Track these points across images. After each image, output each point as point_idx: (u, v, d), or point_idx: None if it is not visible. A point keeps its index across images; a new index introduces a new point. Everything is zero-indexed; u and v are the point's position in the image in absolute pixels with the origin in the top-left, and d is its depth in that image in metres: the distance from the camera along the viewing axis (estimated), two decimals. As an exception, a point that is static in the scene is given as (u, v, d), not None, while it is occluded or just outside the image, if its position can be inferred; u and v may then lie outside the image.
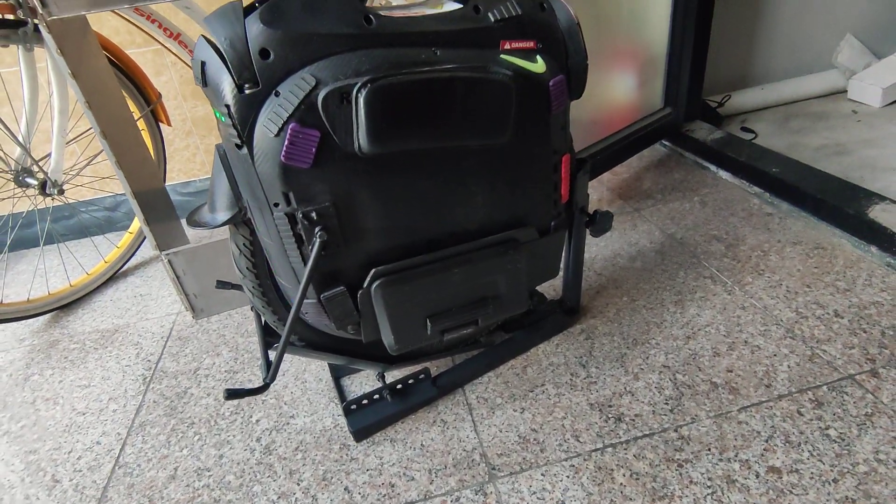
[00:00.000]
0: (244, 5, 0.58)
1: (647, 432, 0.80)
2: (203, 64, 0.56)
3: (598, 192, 1.52)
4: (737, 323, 0.97)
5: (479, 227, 0.73)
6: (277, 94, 0.55)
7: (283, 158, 0.57)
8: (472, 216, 0.72)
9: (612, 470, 0.75)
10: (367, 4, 0.59)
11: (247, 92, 0.55)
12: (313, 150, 0.58)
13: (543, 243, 0.79)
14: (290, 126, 0.56)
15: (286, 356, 1.05)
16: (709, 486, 0.71)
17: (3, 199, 1.38)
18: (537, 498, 0.73)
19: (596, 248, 1.26)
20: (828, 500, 0.67)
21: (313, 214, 0.62)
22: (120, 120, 1.06)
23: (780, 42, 1.91)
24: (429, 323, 0.74)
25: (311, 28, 0.55)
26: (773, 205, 1.31)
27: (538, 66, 0.65)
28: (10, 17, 1.05)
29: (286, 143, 0.56)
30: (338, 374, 0.98)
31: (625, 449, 0.78)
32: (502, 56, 0.63)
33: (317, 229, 0.62)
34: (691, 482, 0.72)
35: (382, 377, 0.89)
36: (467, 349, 0.96)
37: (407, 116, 0.58)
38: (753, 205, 1.34)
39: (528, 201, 0.75)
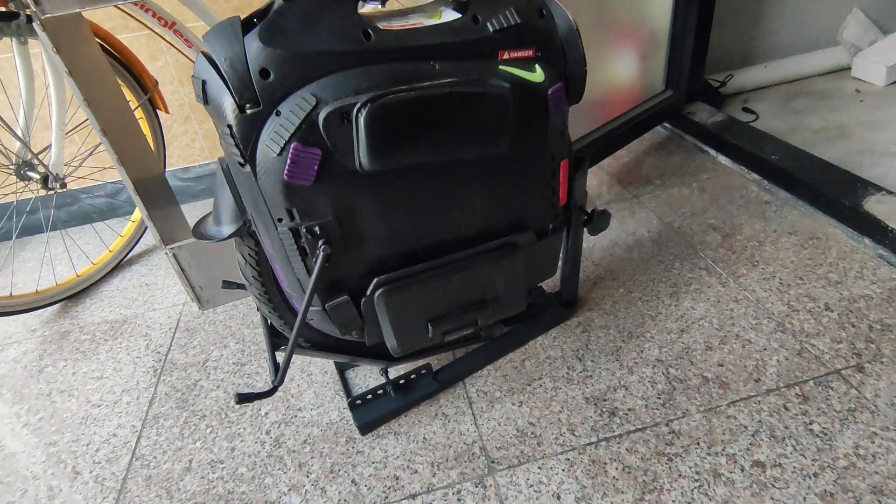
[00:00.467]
0: (242, 19, 0.58)
1: (640, 426, 0.83)
2: (204, 83, 0.57)
3: (597, 176, 1.52)
4: (729, 316, 1.00)
5: (478, 233, 0.75)
6: (279, 114, 0.56)
7: (285, 177, 0.58)
8: (471, 222, 0.73)
9: (606, 463, 0.79)
10: (361, 10, 0.59)
11: (248, 112, 0.56)
12: (315, 167, 0.59)
13: (541, 246, 0.81)
14: (293, 146, 0.57)
15: (291, 348, 1.08)
16: (696, 480, 0.75)
17: (6, 193, 1.39)
18: (534, 491, 0.77)
19: (594, 238, 1.27)
20: (807, 494, 0.71)
21: (316, 229, 0.63)
22: (119, 114, 1.06)
23: (785, 17, 1.88)
24: (430, 326, 0.76)
25: (311, 47, 0.55)
26: (771, 192, 1.32)
27: (537, 75, 0.65)
28: (2, 9, 1.04)
29: (288, 162, 0.57)
30: (342, 368, 1.01)
31: (618, 443, 0.81)
32: (501, 67, 0.64)
33: (320, 243, 0.64)
34: (680, 476, 0.76)
35: (386, 372, 0.92)
36: (467, 343, 0.99)
37: (406, 134, 0.59)
38: (752, 192, 1.34)
39: (527, 206, 0.76)
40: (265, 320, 0.84)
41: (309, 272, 0.67)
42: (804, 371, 0.87)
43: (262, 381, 1.03)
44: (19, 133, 1.16)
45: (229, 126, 0.56)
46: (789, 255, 1.12)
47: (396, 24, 0.60)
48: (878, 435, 0.76)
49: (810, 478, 0.73)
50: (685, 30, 1.50)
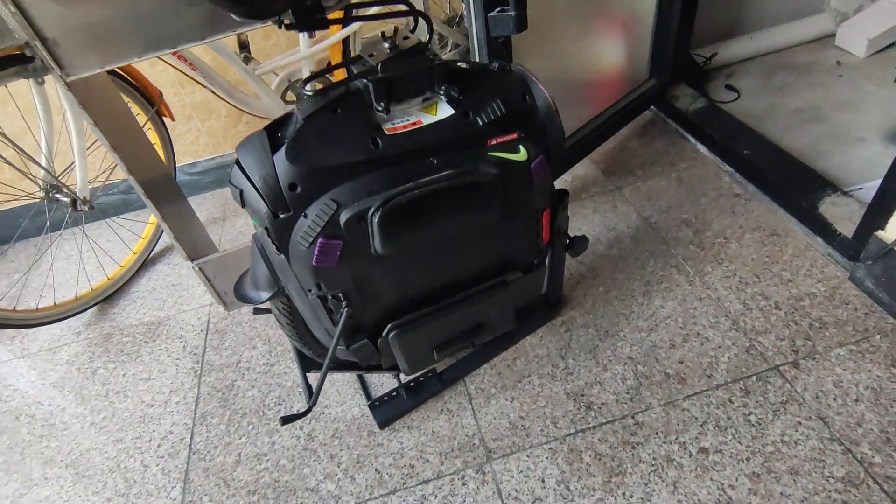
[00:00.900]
0: (267, 130, 0.68)
1: (611, 419, 1.01)
2: (241, 192, 0.68)
3: (584, 166, 1.62)
4: (692, 315, 1.15)
5: (473, 275, 0.88)
6: (306, 216, 0.68)
7: (314, 263, 0.71)
8: (468, 268, 0.87)
9: (581, 452, 0.97)
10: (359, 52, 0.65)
11: (281, 217, 0.67)
12: (338, 253, 0.71)
13: (528, 278, 0.94)
14: (319, 241, 0.69)
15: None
16: (653, 465, 0.93)
17: (38, 216, 1.48)
18: (524, 476, 0.95)
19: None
20: (739, 475, 0.90)
21: (340, 295, 0.76)
22: (137, 147, 1.14)
23: (773, -15, 1.89)
24: (435, 352, 0.91)
25: (330, 161, 0.66)
26: (742, 185, 1.43)
27: (521, 154, 0.76)
28: (19, 52, 1.10)
29: (316, 252, 0.69)
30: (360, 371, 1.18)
31: (592, 433, 0.99)
32: (490, 153, 0.74)
33: (343, 305, 0.77)
34: (640, 461, 0.94)
35: (398, 377, 1.09)
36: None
37: (412, 224, 0.71)
38: (724, 183, 1.46)
39: (515, 249, 0.89)
40: (295, 347, 0.99)
41: (334, 324, 0.80)
42: (749, 367, 1.04)
43: (290, 382, 1.19)
44: (43, 162, 1.25)
45: (266, 228, 0.68)
46: (751, 252, 1.26)
47: (399, 124, 0.70)
48: (802, 424, 0.94)
49: (743, 461, 0.91)
50: (671, 10, 1.52)
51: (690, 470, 0.91)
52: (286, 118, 0.68)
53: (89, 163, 1.32)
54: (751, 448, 0.93)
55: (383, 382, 1.16)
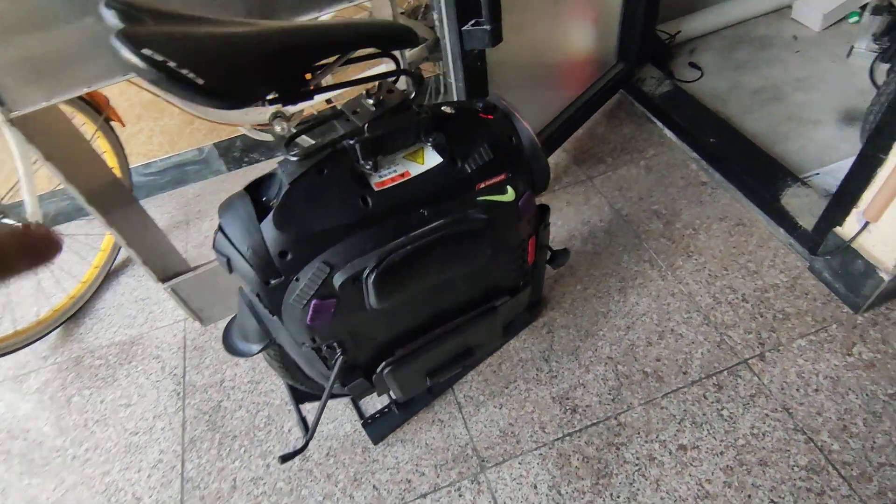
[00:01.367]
0: (249, 191, 0.65)
1: (595, 421, 1.06)
2: (228, 259, 0.65)
3: (555, 156, 1.62)
4: (666, 311, 1.20)
5: (463, 305, 0.89)
6: (298, 280, 0.66)
7: (308, 322, 0.70)
8: (457, 300, 0.87)
9: (570, 456, 1.03)
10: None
11: (273, 283, 0.65)
12: (332, 311, 0.70)
13: (514, 300, 0.96)
14: (313, 303, 0.67)
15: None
16: (636, 465, 1.00)
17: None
18: (517, 483, 1.00)
19: (555, 230, 1.42)
20: (714, 469, 0.97)
21: (335, 344, 0.76)
22: (90, 173, 1.06)
23: (735, -43, 1.87)
24: (428, 378, 0.93)
25: (319, 225, 0.64)
26: (708, 173, 1.47)
27: (508, 195, 0.75)
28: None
29: (310, 313, 0.68)
30: (348, 383, 1.19)
31: (579, 437, 1.05)
32: (478, 198, 0.73)
33: (338, 353, 0.77)
34: (625, 462, 1.00)
35: (389, 394, 1.10)
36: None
37: (407, 278, 0.70)
38: (691, 171, 1.49)
39: (502, 277, 0.90)
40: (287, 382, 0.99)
41: (329, 368, 0.80)
42: (721, 362, 1.11)
43: (279, 400, 1.19)
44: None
45: (258, 294, 0.66)
46: (718, 243, 1.31)
47: (387, 177, 0.68)
48: (769, 416, 1.02)
49: (718, 455, 0.99)
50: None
51: (671, 467, 0.98)
52: (268, 178, 0.65)
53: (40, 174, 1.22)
54: (724, 442, 1.00)
55: (373, 396, 1.17)
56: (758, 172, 1.35)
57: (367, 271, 0.66)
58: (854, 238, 1.06)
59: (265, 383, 1.23)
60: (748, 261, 1.26)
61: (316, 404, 1.11)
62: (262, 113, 1.36)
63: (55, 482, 1.13)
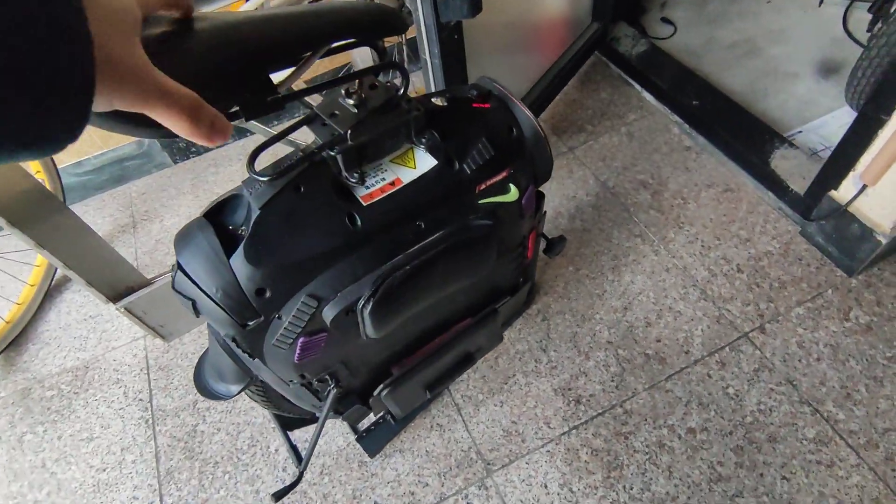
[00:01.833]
0: (209, 218, 0.54)
1: (600, 410, 1.02)
2: (193, 302, 0.54)
3: (531, 126, 1.52)
4: (662, 288, 1.16)
5: (463, 313, 0.81)
6: (280, 318, 0.56)
7: (296, 360, 0.60)
8: (457, 309, 0.79)
9: (578, 450, 0.98)
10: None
11: (251, 325, 0.55)
12: (322, 345, 0.61)
13: (515, 297, 0.88)
14: (300, 340, 0.58)
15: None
16: (647, 453, 0.96)
17: None
18: (526, 484, 0.96)
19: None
20: (725, 450, 0.95)
21: (326, 377, 0.67)
22: (5, 182, 0.90)
23: None
24: (427, 391, 0.85)
25: (300, 254, 0.54)
26: (691, 137, 1.42)
27: (511, 194, 0.67)
28: None
29: (297, 351, 0.59)
30: (335, 393, 1.10)
31: (585, 429, 1.00)
32: (480, 201, 0.64)
33: (331, 385, 0.68)
34: (635, 451, 0.97)
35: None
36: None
37: (406, 301, 0.61)
38: (674, 136, 1.43)
39: (503, 278, 0.82)
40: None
41: (320, 400, 0.71)
42: (722, 338, 1.08)
43: (261, 418, 1.10)
44: None
45: (233, 339, 0.56)
46: (708, 211, 1.27)
47: (376, 188, 0.58)
48: (774, 390, 1.00)
49: (727, 436, 0.97)
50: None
51: (682, 452, 0.96)
52: (232, 200, 0.54)
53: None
54: (732, 421, 0.98)
55: (364, 404, 1.09)
56: (742, 134, 1.30)
57: (361, 301, 0.56)
58: (851, 202, 1.03)
59: (244, 400, 1.13)
60: (739, 228, 1.23)
61: (306, 429, 1.03)
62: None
63: (16, 534, 1.02)
